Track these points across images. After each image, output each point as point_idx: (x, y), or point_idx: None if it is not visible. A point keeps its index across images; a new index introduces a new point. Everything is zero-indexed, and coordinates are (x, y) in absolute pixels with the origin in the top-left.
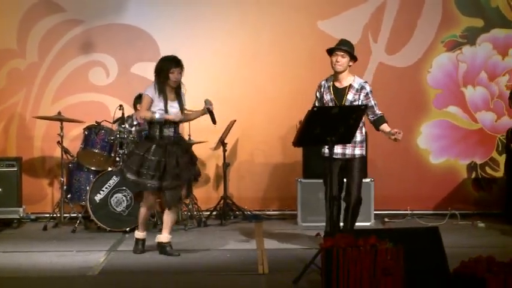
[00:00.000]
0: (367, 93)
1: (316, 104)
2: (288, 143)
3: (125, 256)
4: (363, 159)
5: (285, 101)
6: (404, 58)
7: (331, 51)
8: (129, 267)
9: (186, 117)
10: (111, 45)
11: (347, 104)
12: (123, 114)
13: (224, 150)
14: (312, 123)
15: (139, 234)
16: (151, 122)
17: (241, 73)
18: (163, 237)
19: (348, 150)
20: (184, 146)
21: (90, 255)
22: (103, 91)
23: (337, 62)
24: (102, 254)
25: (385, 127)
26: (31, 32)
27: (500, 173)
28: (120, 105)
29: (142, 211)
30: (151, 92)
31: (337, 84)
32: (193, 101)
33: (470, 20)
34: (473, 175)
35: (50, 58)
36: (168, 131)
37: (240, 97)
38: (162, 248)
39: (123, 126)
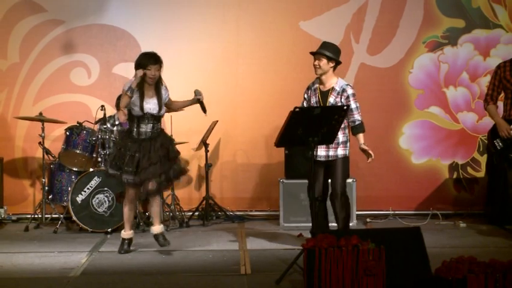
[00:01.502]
0: (347, 96)
1: (304, 105)
2: (270, 144)
3: (107, 257)
4: (346, 159)
5: (267, 101)
6: (386, 58)
7: (313, 54)
8: (111, 268)
9: (176, 105)
10: (92, 45)
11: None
12: (104, 114)
13: (206, 151)
14: (294, 123)
15: (124, 233)
16: (130, 118)
17: (223, 73)
18: (154, 228)
19: (331, 152)
20: (161, 141)
21: (72, 256)
22: (85, 91)
23: (314, 65)
24: (84, 255)
25: (360, 137)
26: (12, 33)
27: (481, 173)
28: (102, 106)
29: (125, 208)
30: (130, 90)
31: (321, 87)
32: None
33: (451, 21)
34: (455, 175)
35: (31, 58)
36: (146, 127)
37: (222, 98)
38: (155, 239)
39: (104, 126)
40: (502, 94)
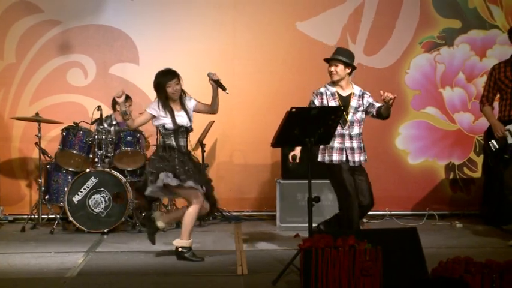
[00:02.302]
0: (369, 96)
1: None
2: (267, 144)
3: (103, 257)
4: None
5: (263, 102)
6: (382, 59)
7: (327, 61)
8: (108, 269)
9: (209, 106)
10: (89, 46)
11: (352, 110)
12: (101, 115)
13: (203, 151)
14: (291, 124)
15: (189, 242)
16: (165, 133)
17: (219, 74)
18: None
19: (362, 157)
20: (192, 158)
21: (69, 256)
22: (81, 92)
23: (330, 71)
24: (80, 256)
25: (382, 109)
26: (8, 33)
27: (478, 174)
28: (98, 106)
29: (195, 213)
30: (154, 110)
31: (340, 91)
32: None
33: (448, 21)
34: (451, 176)
35: (27, 59)
36: (182, 141)
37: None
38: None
39: (101, 126)
40: (498, 95)
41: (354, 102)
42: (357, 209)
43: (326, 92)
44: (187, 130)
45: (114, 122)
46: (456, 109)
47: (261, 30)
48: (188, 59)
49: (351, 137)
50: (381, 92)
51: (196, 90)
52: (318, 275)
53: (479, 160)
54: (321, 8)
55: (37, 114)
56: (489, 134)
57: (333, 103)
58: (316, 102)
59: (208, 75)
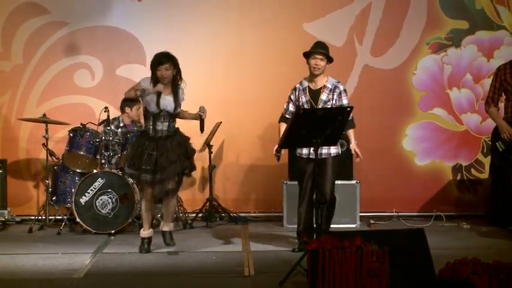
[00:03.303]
0: (340, 93)
1: (290, 106)
2: (273, 145)
3: (110, 258)
4: (338, 157)
5: (270, 103)
6: (389, 60)
7: (309, 54)
8: (115, 270)
9: (182, 114)
10: (96, 47)
11: (321, 104)
12: (108, 116)
13: (210, 152)
14: (298, 125)
15: (144, 233)
16: (146, 117)
17: (226, 75)
18: (163, 225)
19: (324, 150)
20: (178, 139)
21: (76, 257)
22: (88, 93)
23: (316, 65)
24: (87, 257)
25: (350, 134)
26: (16, 34)
27: (485, 175)
28: (106, 108)
29: (143, 207)
30: (145, 82)
31: (311, 85)
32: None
33: (455, 22)
34: (459, 177)
35: (35, 60)
36: (162, 125)
37: (225, 99)
38: (162, 236)
39: (108, 128)
40: (503, 96)
41: (324, 96)
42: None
43: (299, 88)
44: (170, 114)
45: (121, 124)
46: (463, 110)
47: (268, 31)
48: (195, 59)
49: None
50: (355, 151)
51: (203, 90)
52: (324, 276)
53: (487, 161)
54: (328, 9)
55: (44, 115)
56: (496, 135)
57: (303, 98)
58: (292, 97)
59: (200, 109)
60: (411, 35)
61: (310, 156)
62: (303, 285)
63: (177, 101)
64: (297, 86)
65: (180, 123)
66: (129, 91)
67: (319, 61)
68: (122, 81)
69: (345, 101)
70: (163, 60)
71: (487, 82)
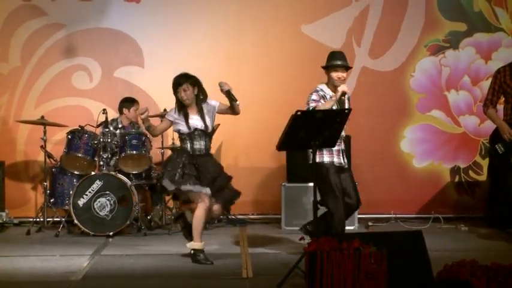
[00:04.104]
0: (348, 98)
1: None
2: (272, 147)
3: (108, 261)
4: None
5: (269, 104)
6: (387, 62)
7: (329, 67)
8: (113, 272)
9: (222, 111)
10: (94, 49)
11: None
12: (106, 118)
13: None
14: (296, 127)
15: (200, 244)
16: (181, 139)
17: (224, 78)
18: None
19: (345, 159)
20: (215, 160)
21: (74, 259)
22: (86, 95)
23: (338, 78)
24: (85, 259)
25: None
26: (13, 36)
27: (483, 177)
28: (104, 109)
29: (202, 219)
30: (171, 116)
31: (337, 93)
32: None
33: (453, 24)
34: (457, 179)
35: (33, 62)
36: (199, 144)
37: (223, 101)
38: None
39: (106, 130)
40: (502, 98)
41: (346, 105)
42: (343, 209)
43: (325, 96)
44: (204, 133)
45: (120, 126)
46: (461, 112)
47: (266, 33)
48: (193, 62)
49: (340, 139)
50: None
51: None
52: (323, 278)
53: (485, 163)
54: (326, 11)
55: (42, 117)
56: (495, 137)
57: (334, 107)
58: (322, 101)
59: (219, 85)
60: (409, 37)
61: (338, 166)
62: (301, 287)
63: (204, 120)
64: (320, 92)
65: None
66: (157, 129)
67: (343, 74)
68: (120, 83)
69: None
70: (181, 81)
71: (485, 84)
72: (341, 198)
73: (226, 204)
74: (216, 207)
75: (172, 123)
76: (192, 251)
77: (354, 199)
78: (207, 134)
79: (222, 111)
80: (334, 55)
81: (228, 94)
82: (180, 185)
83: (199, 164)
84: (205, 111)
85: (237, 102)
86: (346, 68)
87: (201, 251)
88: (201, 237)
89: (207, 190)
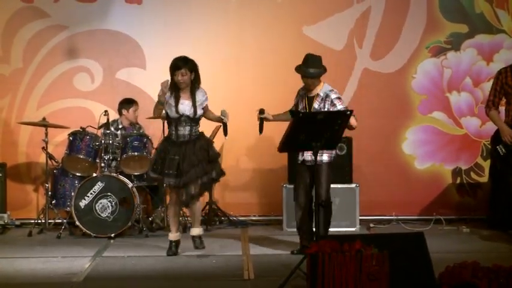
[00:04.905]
0: (331, 101)
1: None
2: (273, 149)
3: (110, 262)
4: (330, 165)
5: (270, 106)
6: (389, 64)
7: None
8: (115, 273)
9: (207, 115)
10: (96, 50)
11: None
12: (108, 119)
13: None
14: (297, 129)
15: (171, 235)
16: (168, 122)
17: (226, 79)
18: (192, 230)
19: (319, 157)
20: (200, 143)
21: (75, 261)
22: (88, 97)
23: (308, 86)
24: (87, 260)
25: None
26: (15, 38)
27: (485, 179)
28: (105, 111)
29: (169, 211)
30: (167, 96)
31: (308, 92)
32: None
33: (454, 26)
34: (458, 180)
35: (34, 64)
36: (184, 130)
37: (224, 103)
38: (192, 240)
39: (108, 131)
40: (504, 100)
41: (316, 104)
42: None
43: (300, 93)
44: (190, 119)
45: (120, 126)
46: (463, 114)
47: (267, 35)
48: None
49: None
50: None
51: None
52: (324, 280)
53: (486, 165)
54: (327, 13)
55: (44, 119)
56: (496, 138)
57: (301, 104)
58: (295, 101)
59: (221, 113)
60: (411, 39)
61: (308, 164)
62: None
63: (195, 105)
64: (299, 90)
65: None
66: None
67: (310, 81)
68: (122, 84)
69: (339, 107)
70: (180, 64)
71: (487, 86)
72: (303, 194)
73: (191, 198)
74: (184, 199)
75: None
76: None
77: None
78: (193, 119)
79: (204, 114)
80: (305, 61)
81: (224, 126)
82: (162, 174)
83: (180, 152)
84: (197, 98)
85: (226, 138)
86: (318, 76)
87: (174, 241)
88: (175, 228)
89: (170, 181)
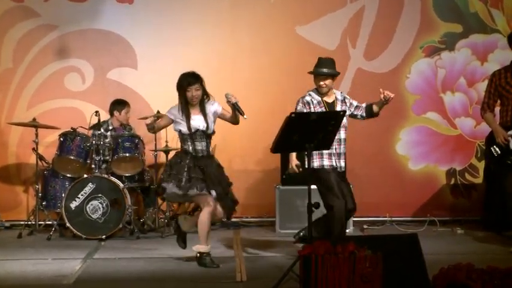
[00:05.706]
0: (351, 102)
1: None
2: (266, 150)
3: (101, 264)
4: None
5: (263, 107)
6: (382, 64)
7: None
8: (105, 275)
9: (224, 117)
10: (87, 50)
11: None
12: (99, 120)
13: None
14: (290, 129)
15: (204, 247)
16: (183, 139)
17: (218, 79)
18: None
19: (343, 163)
20: (217, 162)
21: (66, 263)
22: (79, 97)
23: (321, 85)
24: (77, 262)
25: (375, 106)
26: (5, 38)
27: (479, 179)
28: (96, 111)
29: (208, 221)
30: (172, 114)
31: (326, 98)
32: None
33: (448, 26)
34: (453, 181)
35: (25, 64)
36: (200, 145)
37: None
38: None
39: (98, 132)
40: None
41: (338, 107)
42: (345, 212)
43: (312, 101)
44: (205, 134)
45: (110, 127)
46: (457, 114)
47: (260, 35)
48: (186, 64)
49: (339, 142)
50: (381, 90)
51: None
52: (317, 282)
53: (481, 166)
54: (321, 12)
55: (34, 119)
56: (491, 139)
57: (321, 110)
58: (306, 111)
59: (226, 96)
60: (405, 39)
61: (338, 170)
62: None
63: (207, 120)
64: (308, 99)
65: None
66: (157, 126)
67: (323, 82)
68: (113, 84)
69: (355, 103)
70: (192, 80)
71: (481, 86)
72: (341, 197)
73: (229, 212)
74: (219, 211)
75: (172, 121)
76: (198, 254)
77: (350, 203)
78: (207, 135)
79: (223, 117)
80: (320, 62)
81: (235, 107)
82: (188, 190)
83: (203, 165)
84: (207, 111)
85: (245, 117)
86: (332, 75)
87: (207, 254)
88: (207, 240)
89: (213, 193)
